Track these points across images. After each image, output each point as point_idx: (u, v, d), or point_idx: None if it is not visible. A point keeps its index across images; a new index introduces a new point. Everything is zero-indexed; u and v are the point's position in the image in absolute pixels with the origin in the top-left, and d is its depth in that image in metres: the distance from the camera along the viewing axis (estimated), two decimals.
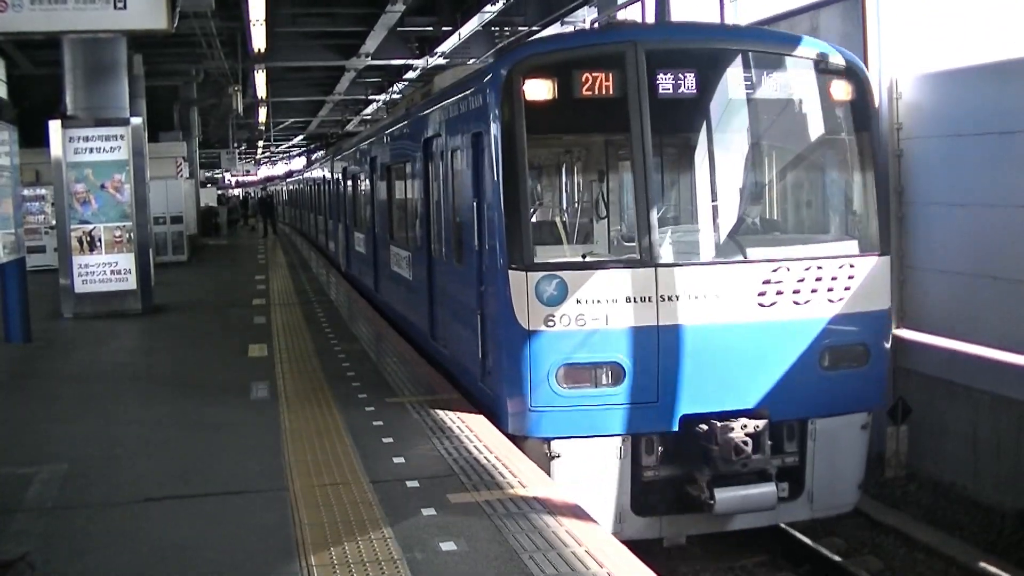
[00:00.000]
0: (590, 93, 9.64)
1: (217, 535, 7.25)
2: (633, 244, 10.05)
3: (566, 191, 12.88)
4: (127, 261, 19.64)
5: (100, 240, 19.54)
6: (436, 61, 31.89)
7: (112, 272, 19.62)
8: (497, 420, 9.91)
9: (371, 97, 44.71)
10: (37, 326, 17.11)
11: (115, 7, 16.53)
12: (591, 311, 9.35)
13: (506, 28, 29.09)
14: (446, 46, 30.57)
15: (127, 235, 19.61)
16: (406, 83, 35.59)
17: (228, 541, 7.12)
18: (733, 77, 10.14)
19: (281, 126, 62.23)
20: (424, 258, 13.77)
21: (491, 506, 7.49)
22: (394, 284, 17.30)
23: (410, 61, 33.84)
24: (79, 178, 19.44)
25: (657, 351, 9.44)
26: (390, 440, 9.46)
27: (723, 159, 10.30)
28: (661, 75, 9.74)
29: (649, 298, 9.41)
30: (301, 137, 74.48)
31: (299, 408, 10.86)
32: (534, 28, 26.99)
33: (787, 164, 11.01)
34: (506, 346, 9.75)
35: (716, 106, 10.18)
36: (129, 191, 19.57)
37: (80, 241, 19.50)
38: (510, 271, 9.54)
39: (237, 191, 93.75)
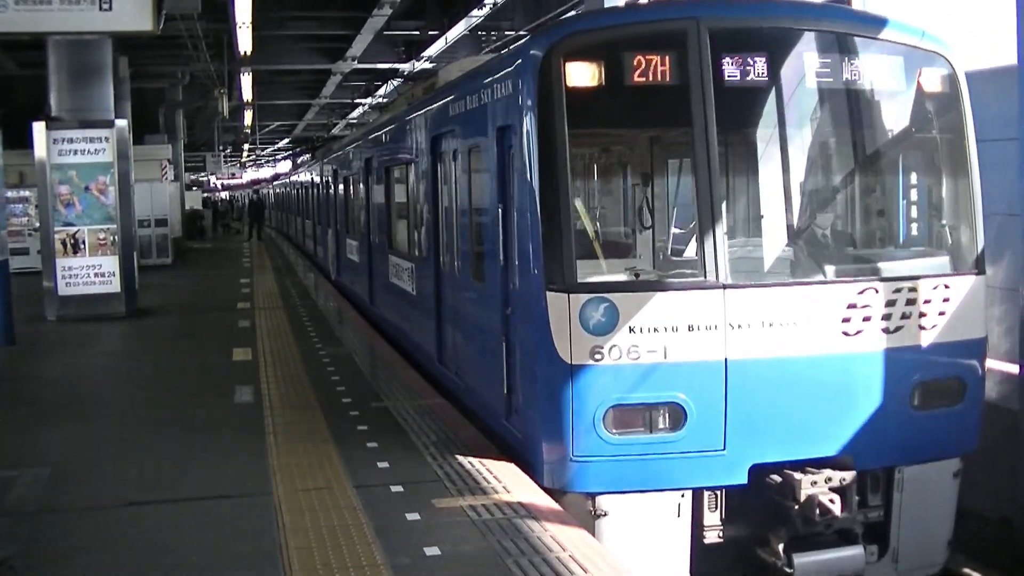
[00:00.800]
0: (643, 80, 8.07)
1: (201, 539, 7.22)
2: (686, 259, 9.03)
3: (603, 195, 11.26)
4: (111, 264, 19.62)
5: (84, 243, 19.51)
6: (423, 65, 31.89)
7: (96, 275, 19.58)
8: (530, 469, 8.46)
9: (357, 101, 44.72)
10: (20, 329, 17.03)
11: (100, 8, 16.51)
12: (646, 341, 7.87)
13: (493, 32, 29.12)
14: (432, 50, 30.59)
15: (111, 238, 19.58)
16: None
17: (212, 545, 7.09)
18: (810, 62, 8.54)
19: (267, 129, 62.21)
20: (431, 271, 12.28)
21: (475, 511, 7.47)
22: (393, 298, 15.70)
23: (396, 65, 33.85)
24: (63, 180, 19.42)
25: (724, 389, 7.96)
26: (374, 445, 9.43)
27: (798, 160, 8.85)
28: (728, 59, 8.22)
29: (716, 326, 7.93)
30: (287, 140, 74.45)
31: (283, 412, 10.83)
32: (521, 33, 27.01)
33: (870, 166, 9.38)
34: (542, 383, 8.26)
35: (791, 96, 8.60)
36: (113, 193, 19.55)
37: (64, 243, 19.47)
38: (548, 292, 8.03)
39: (224, 194, 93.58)
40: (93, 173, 19.47)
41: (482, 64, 11.24)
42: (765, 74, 8.36)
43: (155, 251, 31.85)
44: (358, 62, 33.08)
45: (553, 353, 7.99)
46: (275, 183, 65.39)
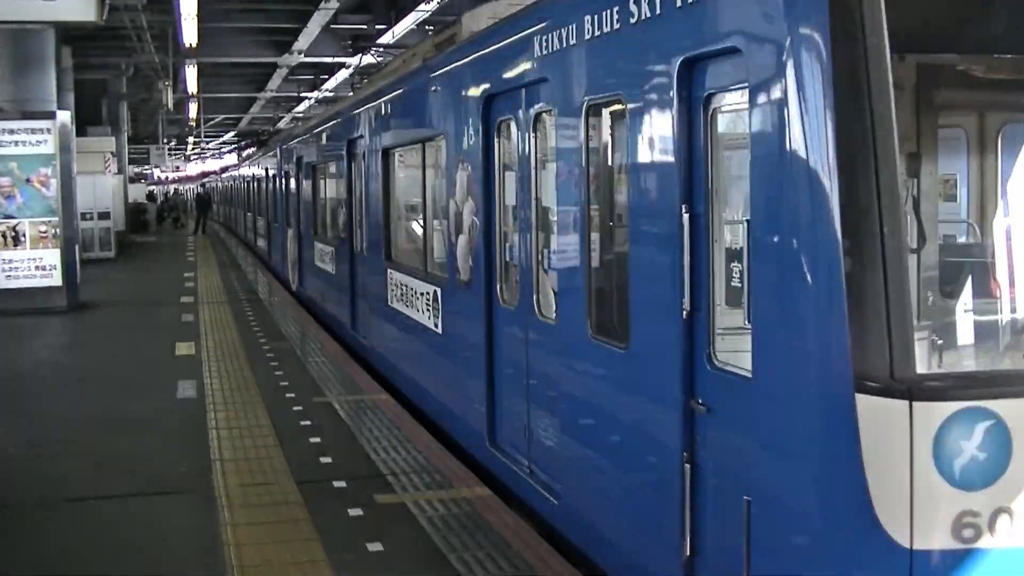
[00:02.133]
0: None
1: (143, 536, 7.17)
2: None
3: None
4: (52, 257, 19.43)
5: (25, 235, 19.31)
6: (369, 59, 31.80)
7: (37, 268, 19.39)
8: None
9: (303, 95, 44.50)
10: None
11: None
12: None
13: (441, 27, 29.11)
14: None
15: (53, 230, 19.38)
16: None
17: (154, 542, 7.04)
18: None
19: (212, 122, 61.71)
20: (476, 303, 8.48)
21: (419, 506, 7.47)
22: (397, 330, 11.71)
23: (343, 59, 33.74)
24: (4, 172, 19.23)
25: None
26: (317, 440, 9.40)
27: None
28: None
29: None
30: (232, 134, 73.98)
31: (226, 407, 10.77)
32: None
33: None
34: None
35: None
36: (55, 186, 19.35)
37: (4, 236, 19.27)
38: (862, 396, 4.05)
39: (173, 187, 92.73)
40: (34, 165, 19.27)
41: None
42: None
43: (98, 244, 31.49)
44: (305, 55, 32.96)
45: (871, 526, 4.06)
46: (223, 175, 64.03)
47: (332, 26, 29.12)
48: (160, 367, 13.39)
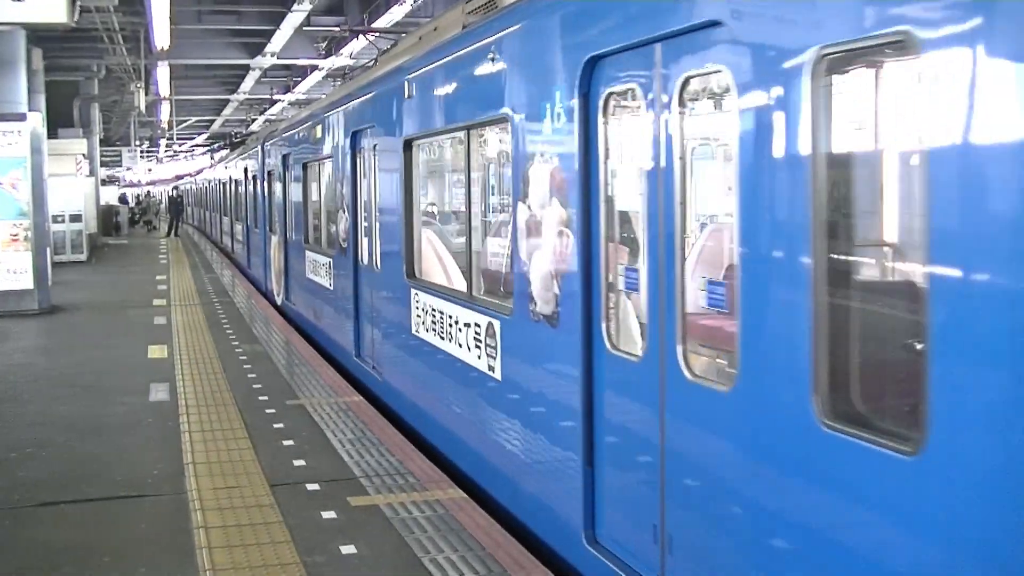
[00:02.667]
0: None
1: (115, 539, 7.15)
2: None
3: None
4: (24, 260, 19.35)
5: None
6: (343, 62, 31.78)
7: (8, 271, 19.31)
8: None
9: (276, 97, 44.43)
10: None
11: None
12: None
13: (413, 28, 29.11)
14: (353, 47, 30.54)
15: (24, 233, 19.29)
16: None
17: (125, 545, 7.02)
18: None
19: (185, 124, 61.52)
20: (563, 345, 6.39)
21: (392, 508, 7.48)
22: (426, 370, 9.53)
23: (316, 61, 33.72)
24: None
25: None
26: (291, 443, 9.40)
27: None
28: None
29: None
30: (205, 136, 73.76)
31: (199, 410, 10.75)
32: None
33: None
34: None
35: None
36: (26, 188, 19.25)
37: None
38: None
39: (146, 189, 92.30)
40: (5, 167, 19.19)
41: None
42: None
43: (69, 247, 31.41)
44: (278, 57, 32.93)
45: None
46: (197, 177, 63.30)
47: (305, 28, 29.12)
48: (133, 370, 13.34)
